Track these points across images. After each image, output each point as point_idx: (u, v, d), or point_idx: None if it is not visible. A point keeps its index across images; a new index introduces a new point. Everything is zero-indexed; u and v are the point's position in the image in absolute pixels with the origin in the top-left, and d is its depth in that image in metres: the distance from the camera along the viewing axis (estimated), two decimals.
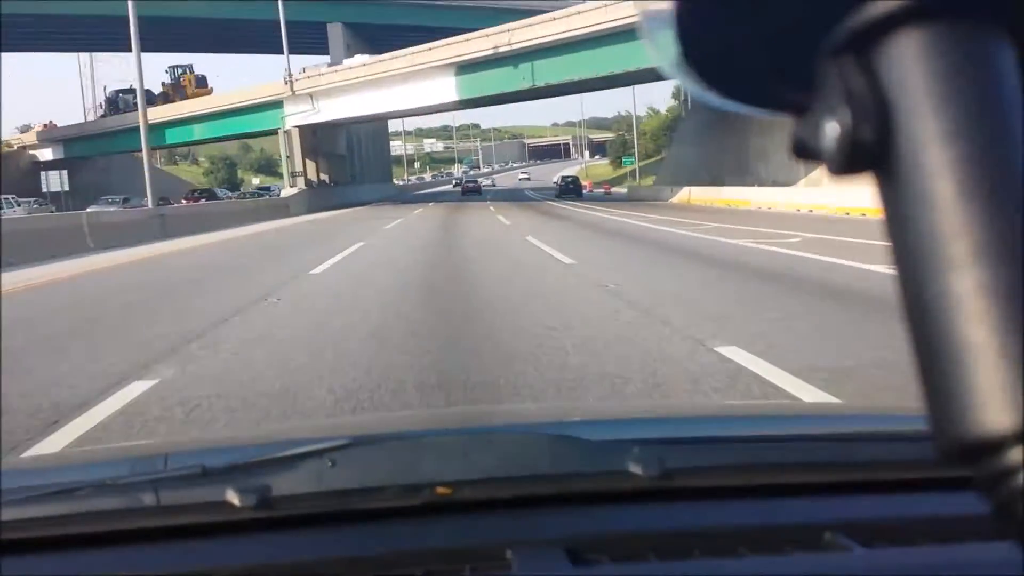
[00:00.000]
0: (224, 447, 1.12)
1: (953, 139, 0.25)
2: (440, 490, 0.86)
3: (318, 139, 43.17)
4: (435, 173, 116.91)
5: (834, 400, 3.26)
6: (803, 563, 0.77)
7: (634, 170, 51.95)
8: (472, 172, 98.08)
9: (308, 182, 40.47)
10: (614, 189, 46.18)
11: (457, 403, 3.34)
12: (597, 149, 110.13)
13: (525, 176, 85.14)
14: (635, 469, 0.84)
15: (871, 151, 0.27)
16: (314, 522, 0.84)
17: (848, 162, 0.27)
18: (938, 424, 0.26)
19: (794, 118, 0.29)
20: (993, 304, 0.25)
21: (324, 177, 44.85)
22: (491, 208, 28.63)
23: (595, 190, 49.83)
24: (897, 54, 0.26)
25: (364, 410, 3.28)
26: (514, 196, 42.73)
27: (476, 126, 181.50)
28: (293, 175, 39.50)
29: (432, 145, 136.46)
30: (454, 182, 70.73)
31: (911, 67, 0.26)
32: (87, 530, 0.83)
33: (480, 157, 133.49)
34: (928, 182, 0.26)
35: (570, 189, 40.84)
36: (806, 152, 0.29)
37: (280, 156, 41.63)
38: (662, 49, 0.29)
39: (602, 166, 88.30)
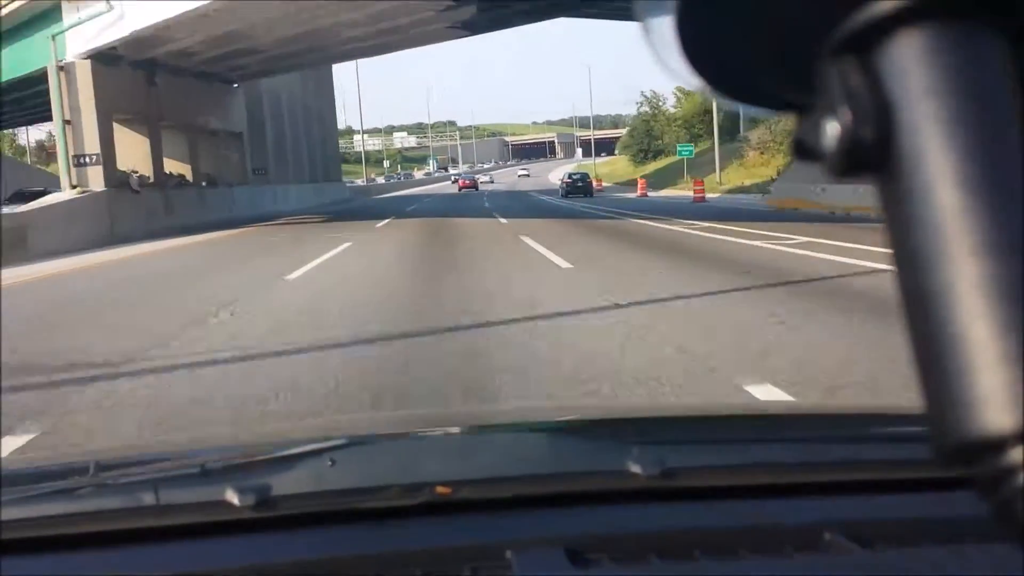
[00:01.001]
0: (224, 446, 1.21)
1: (953, 139, 0.28)
2: (440, 489, 0.90)
3: (162, 94, 11.64)
4: (388, 175, 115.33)
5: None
6: (803, 564, 0.83)
7: (683, 165, 47.08)
8: (438, 172, 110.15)
9: (125, 178, 6.05)
10: (669, 192, 42.46)
11: None
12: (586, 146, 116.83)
13: (524, 172, 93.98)
14: (635, 469, 0.90)
15: (871, 151, 0.29)
16: (314, 521, 0.90)
17: (848, 162, 0.29)
18: (938, 424, 0.28)
19: (794, 118, 0.32)
20: (994, 304, 0.27)
21: (182, 172, 13.10)
22: (528, 241, 14.18)
23: (649, 193, 43.52)
24: (897, 54, 0.29)
25: None
26: (529, 202, 36.01)
27: (452, 123, 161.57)
28: (78, 160, 5.19)
29: (403, 140, 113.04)
30: (452, 178, 79.88)
31: (911, 67, 0.29)
32: (87, 530, 0.89)
33: (460, 155, 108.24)
34: (928, 182, 0.28)
35: (578, 188, 40.32)
36: (806, 152, 0.31)
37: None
38: (663, 48, 0.32)
39: (618, 162, 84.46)
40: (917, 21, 0.29)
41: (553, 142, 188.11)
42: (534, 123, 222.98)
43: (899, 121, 0.29)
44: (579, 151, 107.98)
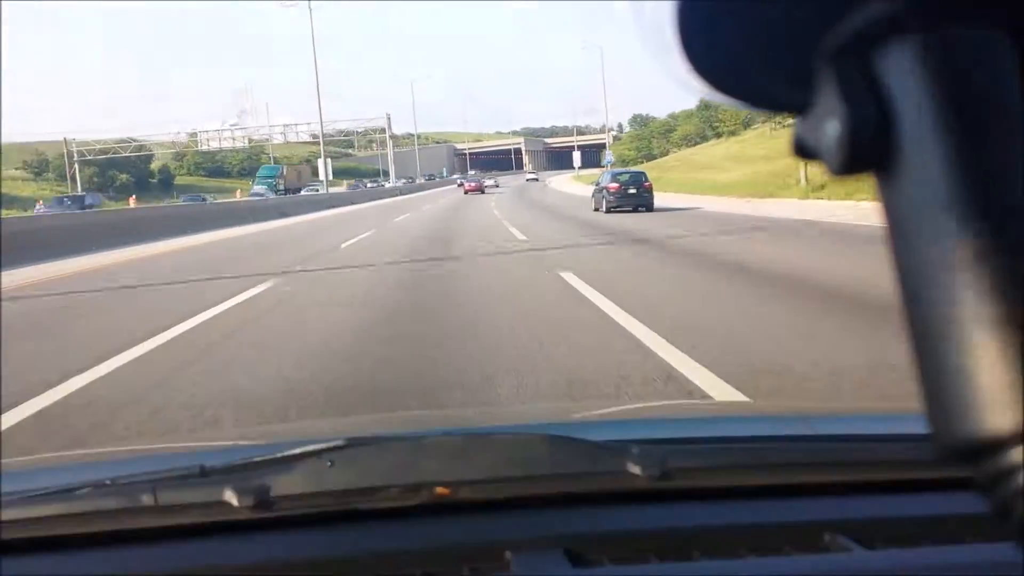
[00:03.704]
0: (223, 447, 1.21)
1: (952, 139, 0.28)
2: (439, 490, 0.90)
3: None
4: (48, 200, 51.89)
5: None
6: (803, 563, 0.83)
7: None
8: (277, 189, 63.70)
9: None
10: None
11: None
12: (556, 157, 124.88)
13: (533, 177, 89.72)
14: (635, 469, 0.90)
15: (871, 151, 0.29)
16: (313, 522, 0.90)
17: (848, 162, 0.29)
18: (938, 424, 0.28)
19: (794, 118, 0.32)
20: (993, 304, 0.27)
21: None
22: None
23: None
24: (897, 54, 0.29)
25: None
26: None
27: (382, 131, 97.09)
28: None
29: (287, 132, 51.26)
30: (458, 182, 78.66)
31: (911, 67, 0.29)
32: (87, 530, 0.89)
33: (391, 166, 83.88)
34: (927, 182, 0.28)
35: (630, 197, 24.40)
36: (806, 152, 0.31)
37: None
38: (662, 49, 0.32)
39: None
40: (916, 22, 0.29)
41: (519, 149, 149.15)
42: (480, 133, 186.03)
43: (898, 121, 0.29)
44: (577, 156, 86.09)
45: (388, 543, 0.84)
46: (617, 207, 23.97)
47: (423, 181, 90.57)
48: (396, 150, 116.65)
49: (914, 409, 0.29)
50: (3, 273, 11.84)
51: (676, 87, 0.30)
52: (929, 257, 0.28)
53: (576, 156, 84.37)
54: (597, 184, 27.38)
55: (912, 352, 0.29)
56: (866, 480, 0.94)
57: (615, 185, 24.59)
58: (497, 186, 69.17)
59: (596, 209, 25.45)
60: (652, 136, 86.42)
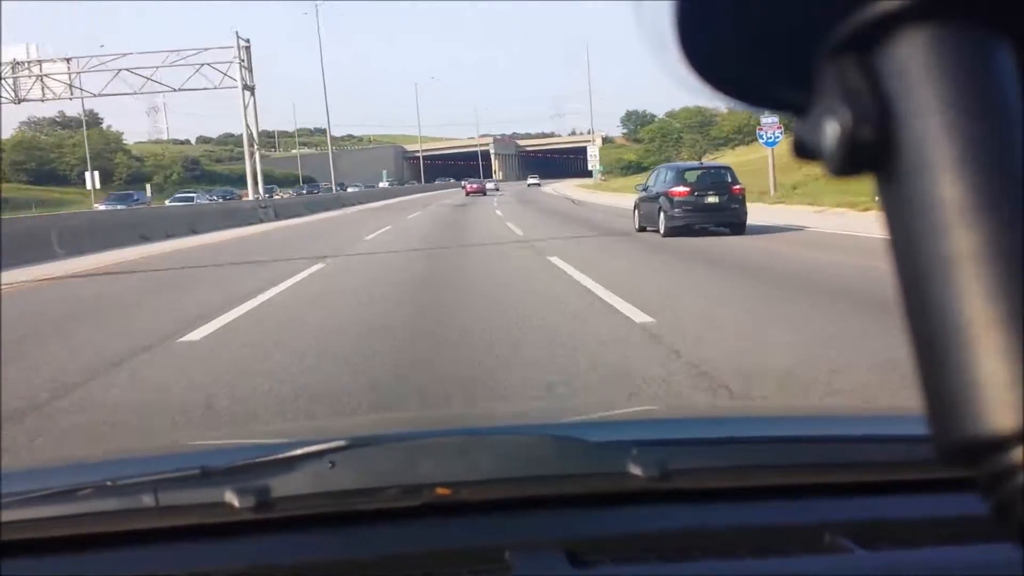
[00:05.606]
0: (224, 448, 1.22)
1: (953, 138, 0.28)
2: (440, 491, 0.91)
3: None
4: None
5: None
6: (803, 564, 0.84)
7: None
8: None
9: None
10: None
11: None
12: (533, 162, 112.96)
13: (535, 182, 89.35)
14: (635, 470, 0.91)
15: (871, 151, 0.29)
16: (314, 523, 0.91)
17: (848, 162, 0.29)
18: (938, 425, 0.28)
19: (794, 118, 0.33)
20: (993, 304, 0.27)
21: None
22: None
23: None
24: (897, 54, 0.29)
25: None
26: None
27: (320, 131, 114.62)
28: None
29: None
30: (461, 184, 76.99)
31: (911, 67, 0.29)
32: (87, 530, 0.91)
33: (248, 163, 39.79)
34: (928, 182, 0.28)
35: (710, 209, 14.81)
36: (806, 152, 0.31)
37: None
38: (662, 49, 0.32)
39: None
40: (917, 21, 0.29)
41: (488, 153, 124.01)
42: (439, 137, 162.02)
43: (899, 121, 0.29)
44: (595, 156, 73.39)
45: (389, 544, 0.85)
46: (686, 226, 14.50)
47: (282, 197, 46.00)
48: (326, 151, 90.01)
49: (914, 409, 0.29)
50: None
51: (675, 86, 0.29)
52: (929, 257, 0.28)
53: (593, 152, 72.31)
54: (645, 188, 16.73)
55: (912, 352, 0.29)
56: (866, 481, 0.94)
57: (682, 190, 14.78)
58: (497, 189, 69.77)
59: (642, 228, 16.42)
60: (681, 132, 68.17)
